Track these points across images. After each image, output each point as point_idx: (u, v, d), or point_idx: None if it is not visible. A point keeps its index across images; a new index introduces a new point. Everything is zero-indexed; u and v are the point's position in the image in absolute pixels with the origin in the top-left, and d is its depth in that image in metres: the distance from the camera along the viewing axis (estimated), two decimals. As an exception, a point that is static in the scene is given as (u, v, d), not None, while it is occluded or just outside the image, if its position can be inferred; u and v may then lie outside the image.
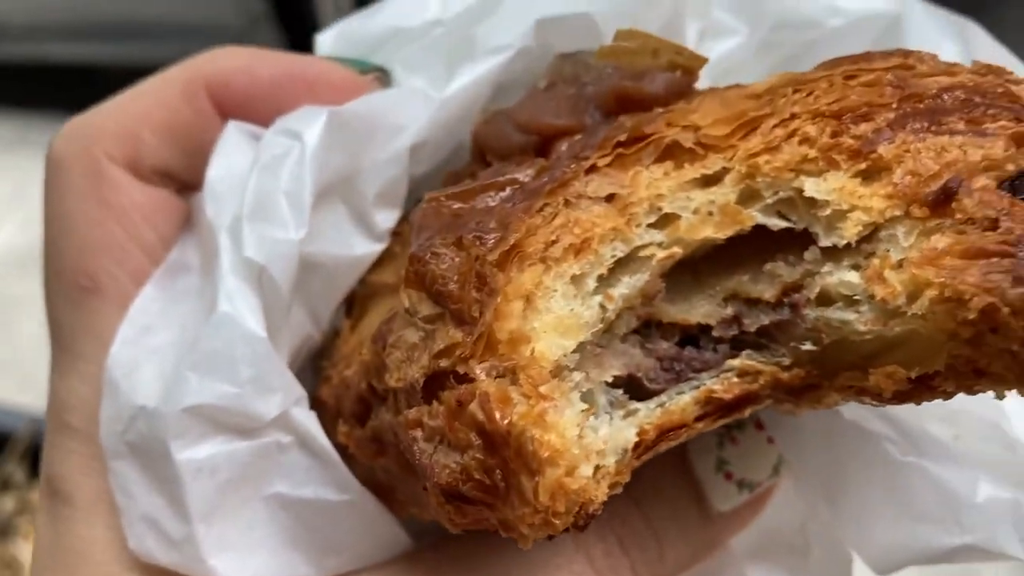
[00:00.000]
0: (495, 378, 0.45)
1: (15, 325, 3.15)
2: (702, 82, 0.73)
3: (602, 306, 0.50)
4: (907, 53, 0.57)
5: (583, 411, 0.46)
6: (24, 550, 2.04)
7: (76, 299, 0.64)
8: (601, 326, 0.50)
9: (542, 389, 0.45)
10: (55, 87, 4.17)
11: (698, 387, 0.52)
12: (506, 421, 0.44)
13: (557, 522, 0.44)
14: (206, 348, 0.56)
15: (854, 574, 0.73)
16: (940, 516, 0.65)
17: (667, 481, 0.65)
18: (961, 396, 0.68)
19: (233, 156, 0.63)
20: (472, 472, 0.45)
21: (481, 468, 0.45)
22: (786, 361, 0.52)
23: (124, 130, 0.65)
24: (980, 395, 0.68)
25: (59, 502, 0.62)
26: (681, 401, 0.52)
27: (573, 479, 0.44)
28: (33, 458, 2.16)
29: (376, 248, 0.66)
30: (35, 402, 2.42)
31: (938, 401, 0.68)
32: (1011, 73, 0.55)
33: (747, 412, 0.54)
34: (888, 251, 0.48)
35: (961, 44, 0.78)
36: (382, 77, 0.70)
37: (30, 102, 4.19)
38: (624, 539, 0.63)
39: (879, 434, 0.66)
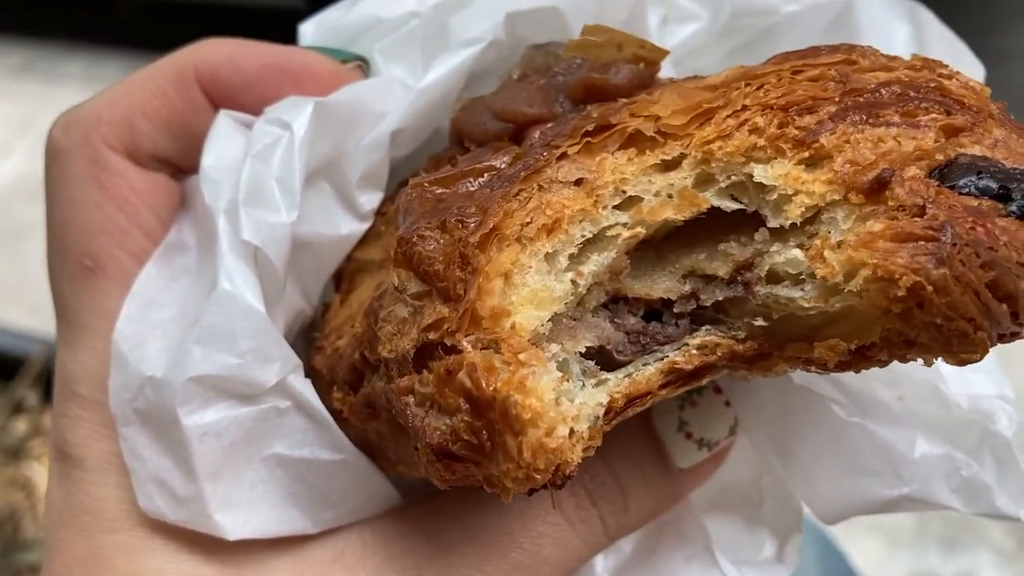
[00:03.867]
0: (480, 349, 0.50)
1: (24, 251, 3.17)
2: (666, 64, 0.78)
3: (573, 281, 0.55)
4: (851, 48, 0.62)
5: (559, 378, 0.51)
6: (38, 472, 2.09)
7: (80, 278, 0.68)
8: (573, 299, 0.55)
9: (521, 356, 0.50)
10: (62, 14, 4.14)
11: (662, 359, 0.57)
12: (491, 388, 0.49)
13: (538, 477, 0.49)
14: (208, 323, 0.61)
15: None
16: (881, 470, 0.71)
17: (633, 441, 0.71)
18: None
19: (225, 143, 0.67)
20: (461, 433, 0.50)
21: (469, 429, 0.50)
22: (741, 335, 0.58)
23: (121, 119, 0.69)
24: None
25: (70, 466, 0.67)
26: (647, 371, 0.57)
27: (551, 439, 0.49)
28: (47, 381, 2.20)
29: (361, 227, 0.70)
30: (44, 327, 2.46)
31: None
32: (945, 67, 0.60)
33: (705, 380, 0.59)
34: (829, 232, 0.54)
35: (912, 26, 0.83)
36: (362, 66, 0.74)
37: (37, 29, 4.16)
38: (593, 493, 0.68)
39: (827, 397, 0.72)
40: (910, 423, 0.72)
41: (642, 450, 0.71)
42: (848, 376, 0.74)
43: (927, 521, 2.17)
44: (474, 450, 0.50)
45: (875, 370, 0.75)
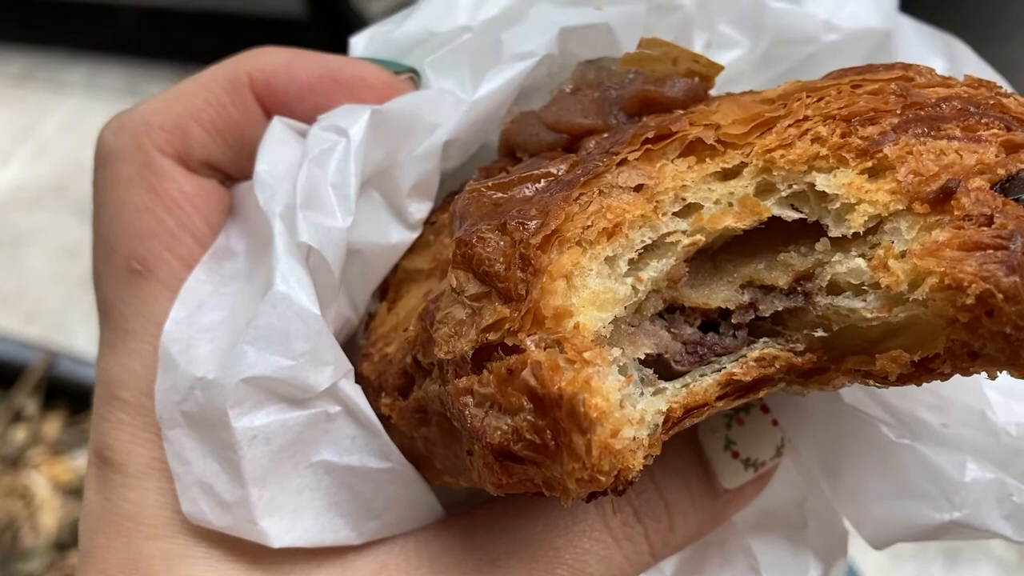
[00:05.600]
0: (544, 348, 0.50)
1: (23, 258, 3.18)
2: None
3: (633, 287, 0.55)
4: (907, 66, 0.62)
5: (624, 380, 0.51)
6: (36, 481, 2.07)
7: (127, 281, 0.67)
8: (632, 304, 0.54)
9: (586, 355, 0.49)
10: (63, 24, 4.20)
11: (719, 370, 0.57)
12: (557, 386, 0.48)
13: (602, 478, 0.48)
14: (263, 324, 0.60)
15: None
16: (931, 493, 0.70)
17: (679, 459, 0.70)
18: (950, 387, 0.74)
19: (280, 149, 0.67)
20: (523, 432, 0.50)
21: (532, 429, 0.49)
22: (799, 347, 0.57)
23: (173, 124, 0.69)
24: (967, 387, 0.74)
25: (110, 470, 0.66)
26: (704, 382, 0.56)
27: (617, 440, 0.48)
28: (46, 390, 2.21)
29: (410, 236, 0.70)
30: (43, 334, 2.45)
31: (929, 391, 0.74)
32: (1001, 87, 0.61)
33: (762, 393, 0.59)
34: (892, 242, 0.53)
35: (948, 60, 0.84)
36: (414, 78, 0.74)
37: (37, 38, 4.22)
38: (639, 510, 0.67)
39: (876, 418, 0.71)
40: (959, 446, 0.71)
41: (688, 468, 0.70)
42: (894, 399, 0.74)
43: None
44: (537, 450, 0.50)
45: (921, 396, 0.75)
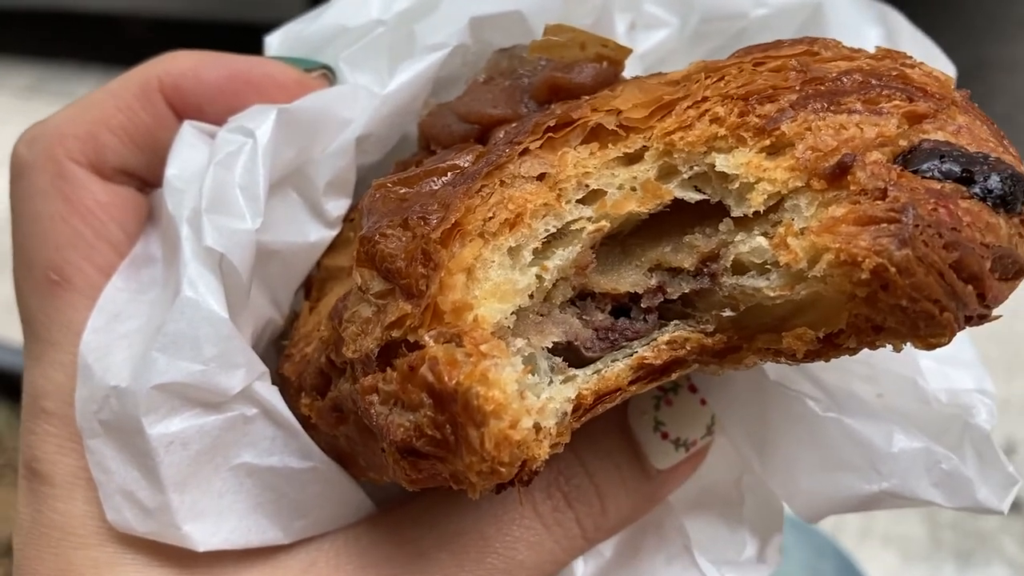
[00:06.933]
0: (442, 343, 0.50)
1: None
2: (636, 71, 0.78)
3: (538, 276, 0.55)
4: (813, 41, 0.62)
5: (522, 370, 0.51)
6: None
7: (47, 292, 0.67)
8: (538, 293, 0.54)
9: (483, 348, 0.49)
10: (72, 36, 4.19)
11: (631, 355, 0.57)
12: (453, 381, 0.48)
13: (503, 470, 0.48)
14: (172, 330, 0.60)
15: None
16: (859, 465, 0.70)
17: (609, 441, 0.70)
18: (883, 357, 0.74)
19: (189, 153, 0.67)
20: (424, 428, 0.50)
21: (432, 424, 0.49)
22: (709, 328, 0.57)
23: (85, 133, 0.69)
24: (899, 357, 0.75)
25: (38, 482, 0.66)
26: (616, 367, 0.56)
27: (516, 431, 0.48)
28: None
29: (329, 234, 0.70)
30: None
31: (862, 363, 0.75)
32: (908, 57, 0.60)
33: (675, 375, 0.59)
34: (792, 219, 0.54)
35: (883, 28, 0.84)
36: (327, 74, 0.74)
37: (47, 51, 4.21)
38: (569, 495, 0.68)
39: (802, 393, 0.71)
40: (887, 418, 0.72)
41: (619, 451, 0.70)
42: (827, 373, 0.74)
43: (941, 534, 2.15)
44: (438, 445, 0.50)
45: (854, 368, 0.76)
